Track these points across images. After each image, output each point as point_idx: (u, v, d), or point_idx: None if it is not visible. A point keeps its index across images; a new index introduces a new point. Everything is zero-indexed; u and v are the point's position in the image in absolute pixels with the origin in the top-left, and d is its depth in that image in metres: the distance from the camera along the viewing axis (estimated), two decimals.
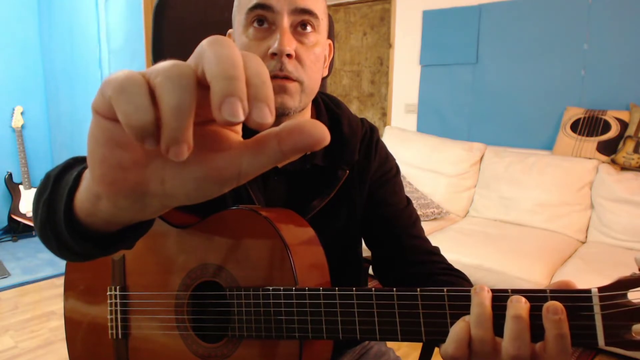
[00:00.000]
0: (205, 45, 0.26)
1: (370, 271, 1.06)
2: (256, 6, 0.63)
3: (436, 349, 0.98)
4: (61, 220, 0.45)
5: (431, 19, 3.18)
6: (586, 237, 2.41)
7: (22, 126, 3.24)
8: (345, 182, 0.75)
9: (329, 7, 4.14)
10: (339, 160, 0.75)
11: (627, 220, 2.23)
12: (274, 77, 0.64)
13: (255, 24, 0.65)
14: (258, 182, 0.74)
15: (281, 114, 0.67)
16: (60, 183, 0.48)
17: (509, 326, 0.43)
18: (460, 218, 2.80)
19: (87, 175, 0.38)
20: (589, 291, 0.41)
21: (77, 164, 0.54)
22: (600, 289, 0.40)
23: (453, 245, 2.24)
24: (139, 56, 2.71)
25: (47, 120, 3.45)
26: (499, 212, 2.65)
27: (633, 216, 2.21)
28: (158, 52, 0.95)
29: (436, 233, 2.45)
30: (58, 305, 2.30)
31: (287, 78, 0.64)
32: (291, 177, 0.75)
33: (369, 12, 3.75)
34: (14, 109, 3.21)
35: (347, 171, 0.74)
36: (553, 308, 0.41)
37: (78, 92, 3.09)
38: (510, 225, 2.54)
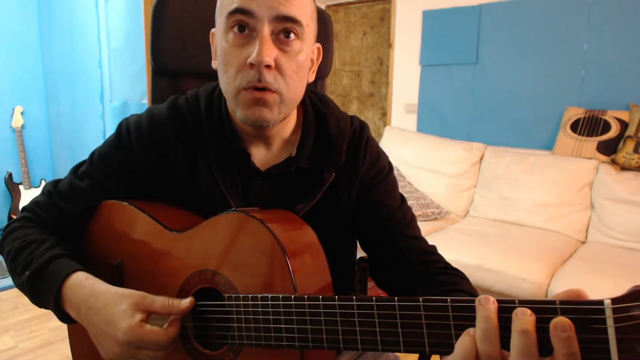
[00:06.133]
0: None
1: None
2: (236, 10, 0.61)
3: None
4: (50, 303, 0.65)
5: (431, 19, 3.18)
6: (586, 237, 2.40)
7: (22, 126, 3.24)
8: (332, 184, 0.73)
9: (328, 7, 4.14)
10: (325, 162, 0.72)
11: (627, 220, 2.22)
12: (252, 87, 0.62)
13: (236, 29, 0.62)
14: (237, 187, 0.72)
15: (260, 126, 0.65)
16: (44, 272, 0.66)
17: (515, 341, 0.40)
18: (460, 218, 2.79)
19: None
20: (601, 302, 0.38)
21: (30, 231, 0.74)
22: (614, 300, 0.38)
23: (453, 245, 2.23)
24: (139, 56, 2.71)
25: (47, 120, 3.45)
26: (499, 212, 2.64)
27: (633, 216, 2.21)
28: (157, 52, 0.95)
29: (436, 233, 2.45)
30: None
31: (266, 89, 0.62)
32: (275, 180, 0.73)
33: (369, 12, 3.75)
34: (14, 109, 3.21)
35: (334, 174, 0.72)
36: (561, 325, 0.38)
37: (78, 92, 3.09)
38: (510, 225, 2.54)
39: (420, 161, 2.96)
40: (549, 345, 0.40)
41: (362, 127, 0.78)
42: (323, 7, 3.38)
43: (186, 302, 0.60)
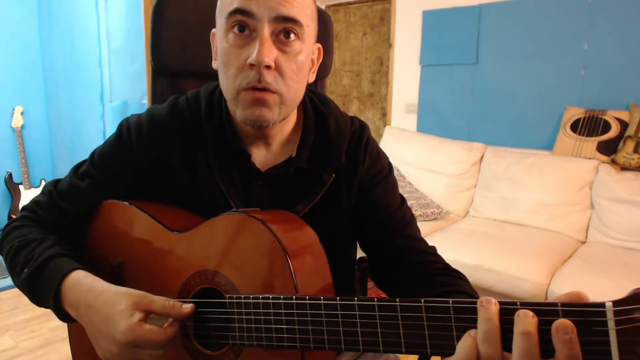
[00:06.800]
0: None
1: None
2: (236, 11, 0.61)
3: None
4: (49, 302, 0.64)
5: (431, 19, 3.18)
6: (586, 237, 2.40)
7: (22, 126, 3.24)
8: (332, 185, 0.73)
9: (328, 7, 4.14)
10: (324, 162, 0.72)
11: (627, 220, 2.22)
12: (252, 88, 0.62)
13: (236, 30, 0.62)
14: (237, 187, 0.72)
15: (259, 126, 0.65)
16: (43, 271, 0.65)
17: (517, 343, 0.40)
18: (460, 218, 2.79)
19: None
20: (602, 305, 0.38)
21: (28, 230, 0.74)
22: (615, 303, 0.38)
23: (453, 245, 2.23)
24: (139, 56, 2.70)
25: (47, 120, 3.45)
26: (499, 212, 2.64)
27: (633, 216, 2.21)
28: (157, 52, 0.95)
29: (436, 233, 2.45)
30: None
31: (266, 90, 0.62)
32: (275, 181, 0.73)
33: (369, 12, 3.75)
34: (14, 109, 3.21)
35: (333, 174, 0.72)
36: (563, 327, 0.39)
37: (78, 92, 3.09)
38: (510, 225, 2.54)
39: (420, 161, 2.96)
40: (550, 347, 0.40)
41: (362, 127, 0.78)
42: (323, 7, 3.38)
43: (187, 307, 0.59)
